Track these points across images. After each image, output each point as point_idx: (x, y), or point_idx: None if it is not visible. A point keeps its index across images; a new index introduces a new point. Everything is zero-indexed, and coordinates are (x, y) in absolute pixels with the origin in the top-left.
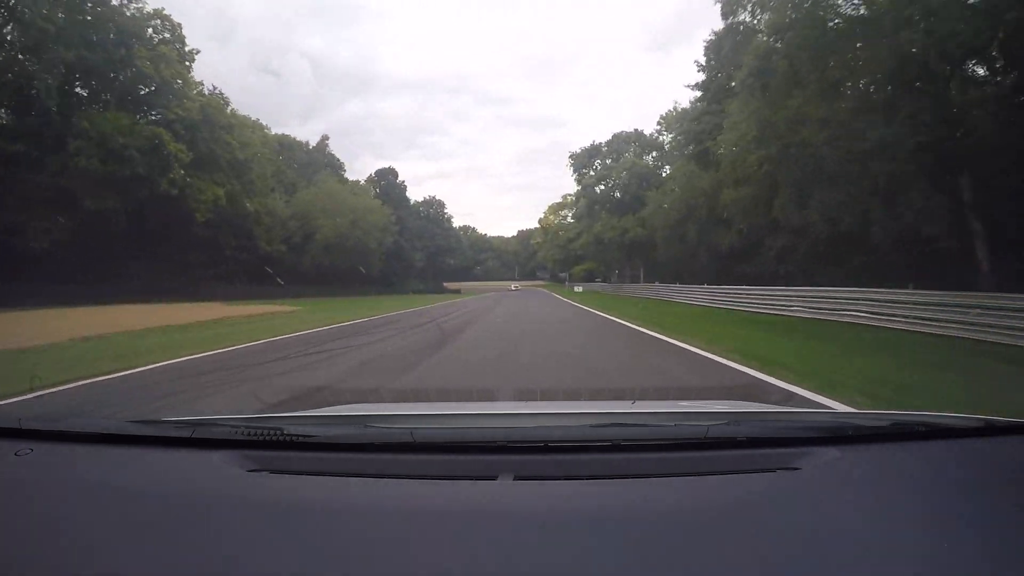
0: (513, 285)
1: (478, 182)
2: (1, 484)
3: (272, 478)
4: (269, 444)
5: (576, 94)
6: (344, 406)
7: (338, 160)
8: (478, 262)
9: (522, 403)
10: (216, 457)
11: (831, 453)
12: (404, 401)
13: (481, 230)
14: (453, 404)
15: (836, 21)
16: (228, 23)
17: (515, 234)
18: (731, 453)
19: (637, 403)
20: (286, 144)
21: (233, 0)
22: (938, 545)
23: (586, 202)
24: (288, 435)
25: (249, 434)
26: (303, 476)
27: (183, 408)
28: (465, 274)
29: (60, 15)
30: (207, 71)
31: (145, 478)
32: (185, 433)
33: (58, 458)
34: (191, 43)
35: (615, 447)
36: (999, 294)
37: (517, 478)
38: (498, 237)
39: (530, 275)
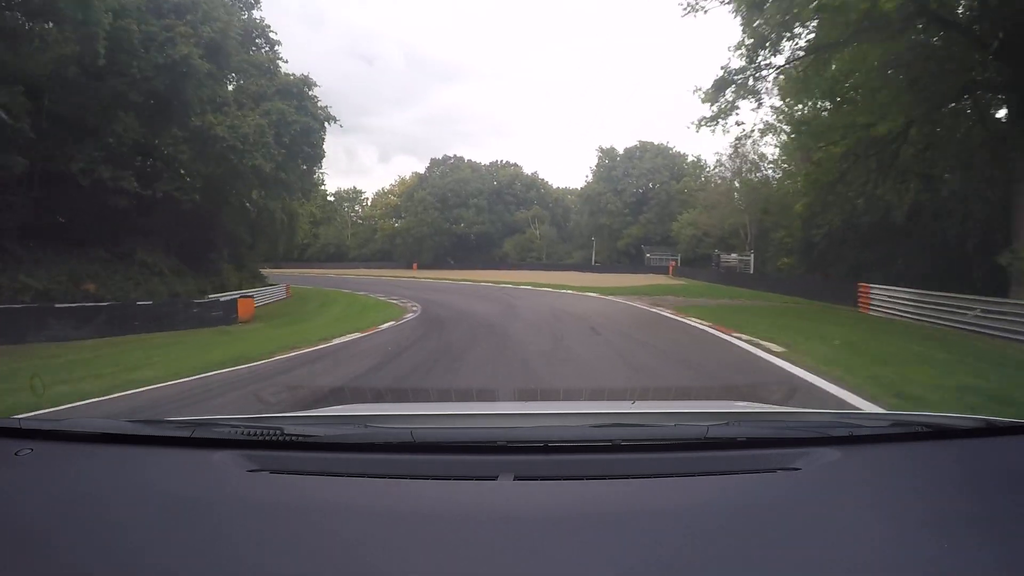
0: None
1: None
2: (1, 484)
3: (272, 478)
4: (269, 444)
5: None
6: (344, 406)
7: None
8: (516, 228)
9: (522, 403)
10: (216, 457)
11: (831, 453)
12: (404, 401)
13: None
14: (453, 404)
15: None
16: (319, 7)
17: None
18: (731, 453)
19: (637, 403)
20: None
21: None
22: (938, 545)
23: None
24: (288, 435)
25: (249, 434)
26: (303, 476)
27: None
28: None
29: None
30: (298, 54)
31: (145, 478)
32: (185, 433)
33: (58, 458)
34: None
35: (615, 447)
36: None
37: (517, 478)
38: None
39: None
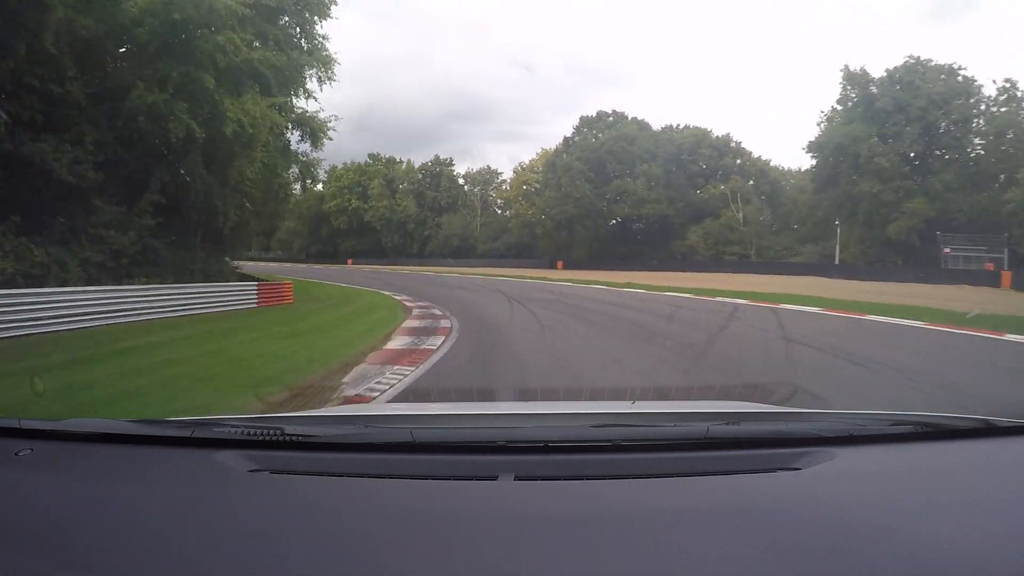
0: None
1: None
2: (1, 484)
3: (273, 478)
4: (269, 444)
5: None
6: (344, 406)
7: None
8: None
9: (522, 403)
10: (216, 457)
11: (831, 453)
12: (404, 401)
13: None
14: (453, 404)
15: None
16: (480, 18)
17: None
18: (731, 453)
19: (637, 403)
20: None
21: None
22: (938, 545)
23: None
24: (288, 435)
25: (249, 434)
26: (304, 476)
27: None
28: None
29: None
30: (454, 64)
31: (145, 478)
32: (185, 433)
33: (58, 458)
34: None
35: (615, 447)
36: None
37: (517, 478)
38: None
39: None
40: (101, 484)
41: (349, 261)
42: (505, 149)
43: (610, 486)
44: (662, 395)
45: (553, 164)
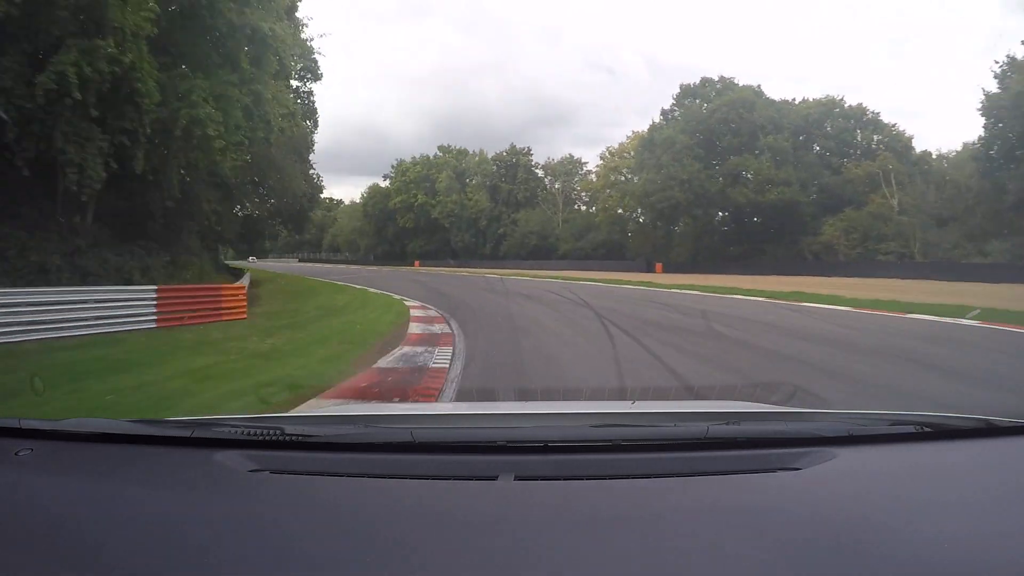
0: None
1: None
2: (1, 484)
3: (273, 478)
4: (270, 444)
5: None
6: (344, 406)
7: None
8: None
9: (522, 403)
10: (216, 457)
11: (831, 453)
12: (404, 401)
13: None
14: (453, 404)
15: None
16: (559, 23)
17: None
18: (731, 453)
19: (637, 403)
20: None
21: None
22: (938, 545)
23: None
24: (289, 435)
25: (250, 434)
26: (304, 476)
27: None
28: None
29: None
30: (536, 70)
31: (145, 478)
32: (185, 433)
33: (58, 458)
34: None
35: (615, 447)
36: None
37: (517, 478)
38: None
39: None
40: (101, 484)
41: (416, 263)
42: (589, 155)
43: (610, 486)
44: (662, 395)
45: (650, 141)
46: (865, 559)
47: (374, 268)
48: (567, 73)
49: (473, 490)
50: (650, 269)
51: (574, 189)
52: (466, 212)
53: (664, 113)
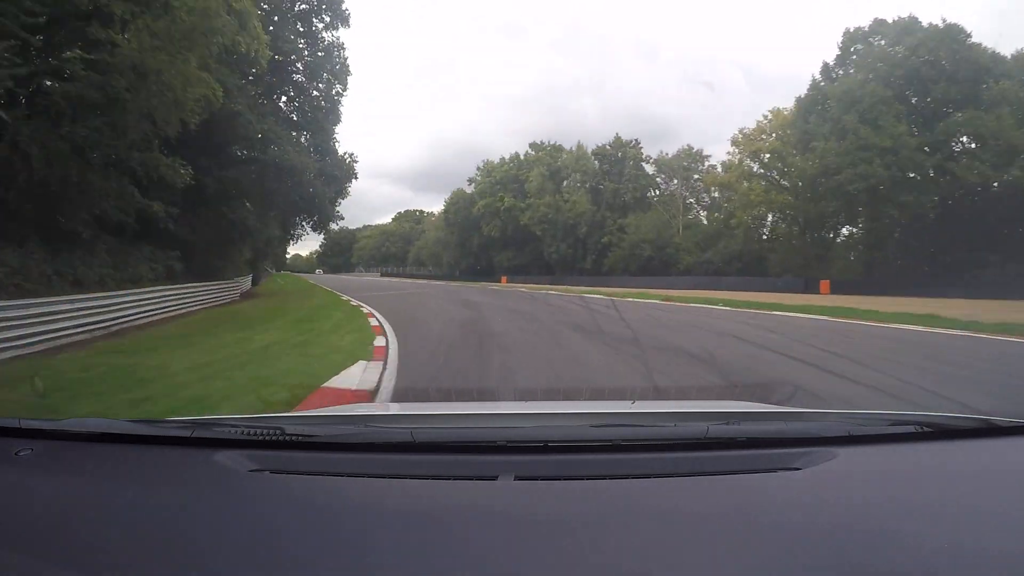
0: None
1: None
2: (1, 484)
3: (273, 478)
4: (270, 444)
5: None
6: (344, 406)
7: None
8: None
9: (522, 403)
10: (217, 457)
11: (831, 453)
12: (404, 401)
13: None
14: (453, 404)
15: None
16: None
17: None
18: (731, 453)
19: (637, 403)
20: None
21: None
22: (938, 545)
23: None
24: (289, 435)
25: (250, 434)
26: (304, 476)
27: None
28: None
29: None
30: (633, 86)
31: (145, 478)
32: (185, 433)
33: (58, 458)
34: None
35: (615, 447)
36: None
37: (517, 478)
38: None
39: None
40: (101, 484)
41: (503, 279)
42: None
43: (610, 486)
44: (662, 395)
45: (807, 113)
46: (865, 558)
47: (455, 284)
48: (665, 89)
49: (473, 490)
50: (811, 289)
51: (696, 182)
52: (562, 217)
53: (826, 70)
